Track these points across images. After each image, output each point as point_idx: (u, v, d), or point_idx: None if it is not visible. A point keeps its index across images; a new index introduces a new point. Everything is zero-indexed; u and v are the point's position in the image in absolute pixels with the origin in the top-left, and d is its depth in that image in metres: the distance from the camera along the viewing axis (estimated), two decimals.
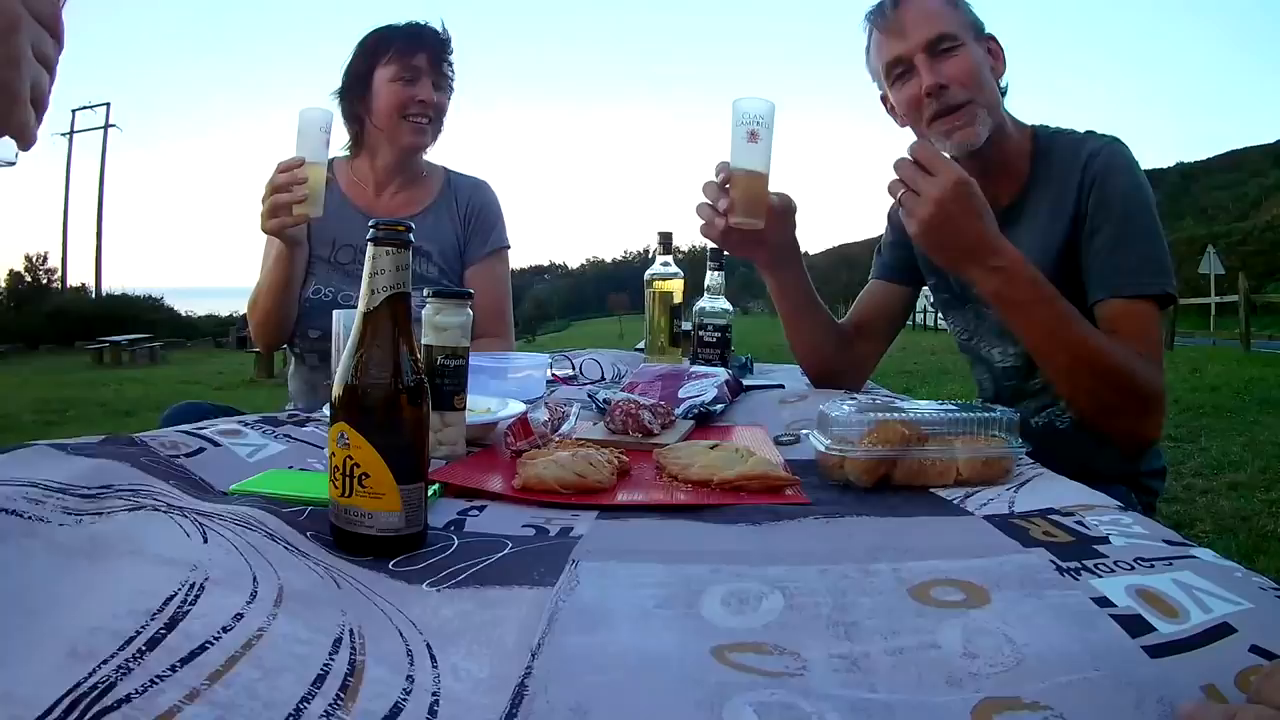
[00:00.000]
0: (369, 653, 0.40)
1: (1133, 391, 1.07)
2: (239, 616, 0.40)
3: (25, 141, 0.53)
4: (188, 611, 0.41)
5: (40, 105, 0.53)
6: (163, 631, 0.39)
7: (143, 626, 0.39)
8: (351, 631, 0.42)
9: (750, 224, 1.13)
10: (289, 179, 1.32)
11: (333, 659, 0.39)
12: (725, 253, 1.44)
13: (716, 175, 1.15)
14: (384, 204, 1.67)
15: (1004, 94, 1.27)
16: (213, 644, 0.38)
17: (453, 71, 1.66)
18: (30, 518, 0.50)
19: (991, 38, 1.25)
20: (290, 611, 0.42)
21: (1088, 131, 1.26)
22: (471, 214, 1.73)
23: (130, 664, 0.36)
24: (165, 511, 0.54)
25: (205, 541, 0.50)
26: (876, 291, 1.52)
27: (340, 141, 1.69)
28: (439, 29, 1.64)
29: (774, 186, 1.16)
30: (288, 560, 0.50)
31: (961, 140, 1.20)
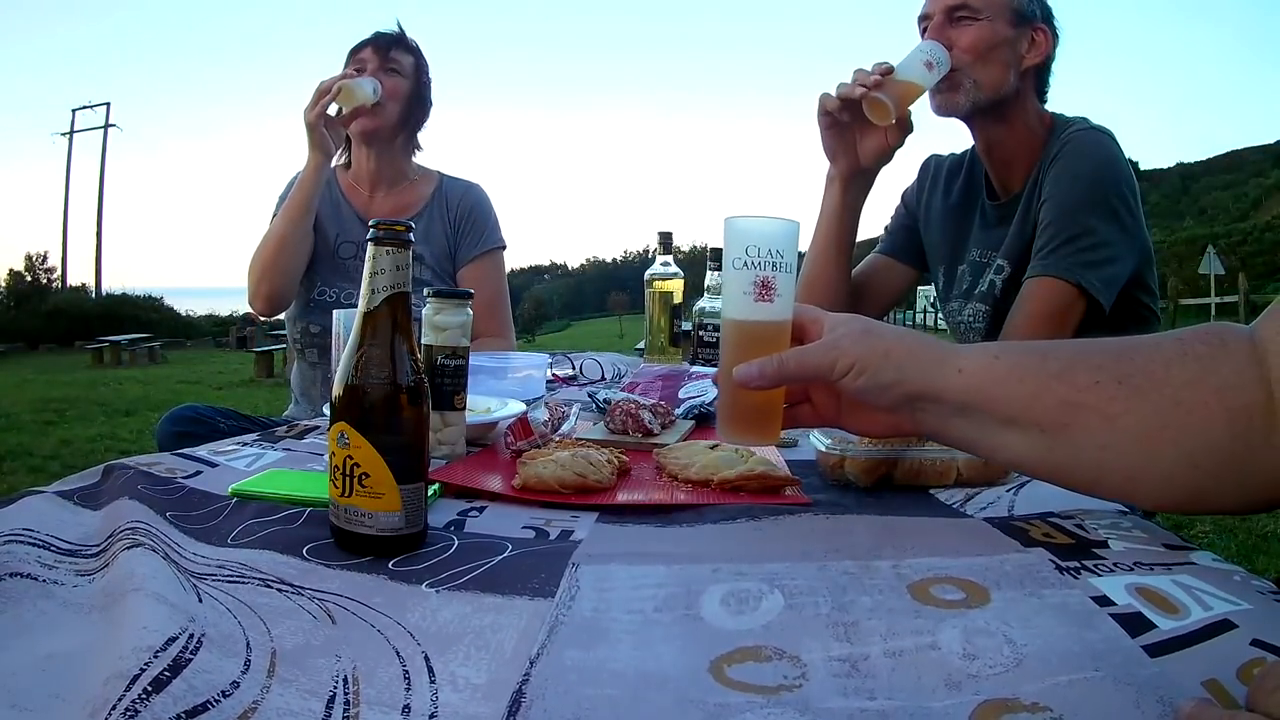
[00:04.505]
0: (363, 700, 0.40)
1: None
2: (235, 684, 0.40)
3: None
4: (189, 660, 0.41)
5: None
6: (167, 674, 0.39)
7: (146, 664, 0.39)
8: (346, 679, 0.42)
9: (884, 107, 1.15)
10: (341, 74, 1.60)
11: None
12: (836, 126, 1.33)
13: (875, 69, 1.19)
14: (377, 206, 1.76)
15: (1043, 85, 1.32)
16: (213, 706, 0.38)
17: (409, 61, 1.73)
18: (45, 581, 0.51)
19: (1039, 28, 1.28)
20: (283, 679, 0.42)
21: (1081, 118, 1.28)
22: (462, 216, 1.79)
23: (137, 706, 0.36)
24: (163, 558, 0.54)
25: (200, 601, 0.50)
26: (879, 264, 1.54)
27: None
28: (392, 30, 1.74)
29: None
30: (281, 609, 0.50)
31: (940, 104, 1.28)
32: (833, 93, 1.21)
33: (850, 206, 1.32)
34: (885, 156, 1.27)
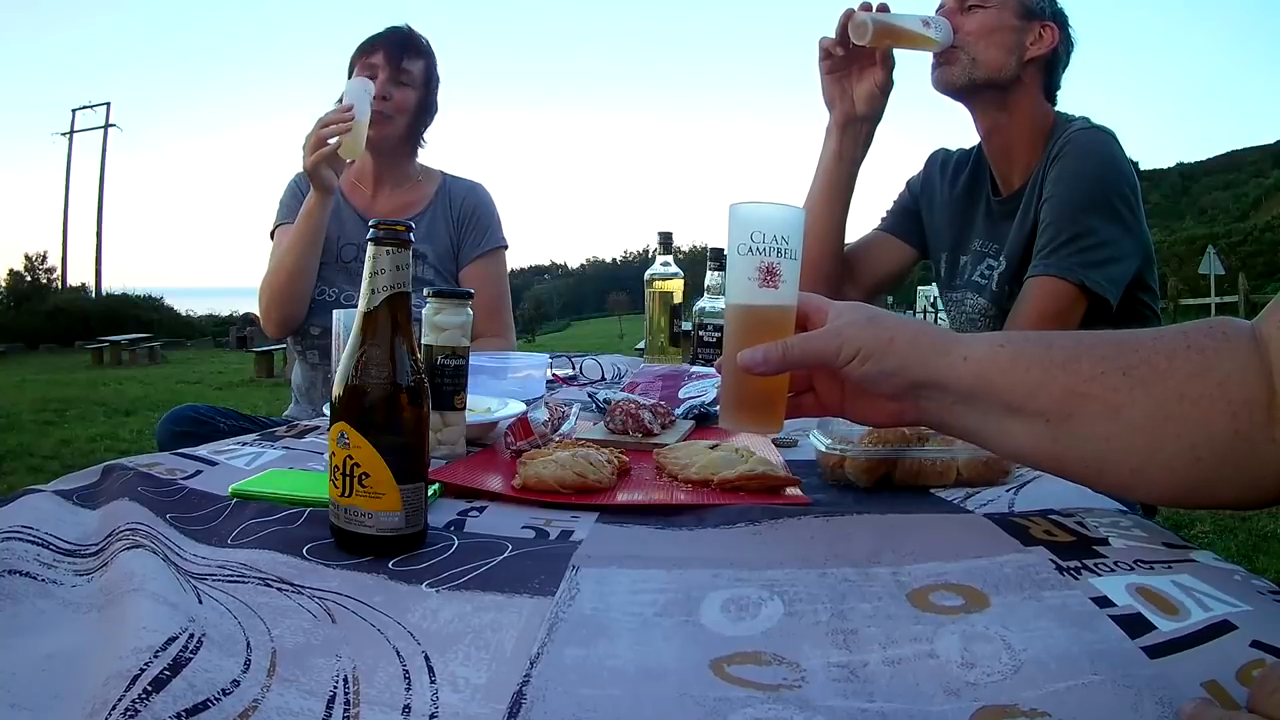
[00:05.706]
0: (363, 699, 0.40)
1: None
2: (236, 683, 0.41)
3: None
4: (189, 659, 0.41)
5: None
6: (167, 673, 0.39)
7: (147, 664, 0.39)
8: (346, 679, 0.42)
9: (862, 26, 1.22)
10: (338, 117, 1.47)
11: None
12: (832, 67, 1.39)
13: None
14: (380, 205, 1.74)
15: (1052, 84, 1.35)
16: (214, 704, 0.38)
17: (420, 68, 1.71)
18: (43, 580, 0.51)
19: (1046, 24, 1.31)
20: (283, 678, 0.42)
21: (1082, 118, 1.30)
22: (465, 216, 1.78)
23: (137, 705, 0.36)
24: (163, 559, 0.54)
25: (200, 603, 0.49)
26: (876, 240, 1.55)
27: None
28: (405, 30, 1.71)
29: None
30: (282, 608, 0.50)
31: (939, 78, 1.33)
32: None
33: (846, 155, 1.35)
34: (876, 99, 1.31)
